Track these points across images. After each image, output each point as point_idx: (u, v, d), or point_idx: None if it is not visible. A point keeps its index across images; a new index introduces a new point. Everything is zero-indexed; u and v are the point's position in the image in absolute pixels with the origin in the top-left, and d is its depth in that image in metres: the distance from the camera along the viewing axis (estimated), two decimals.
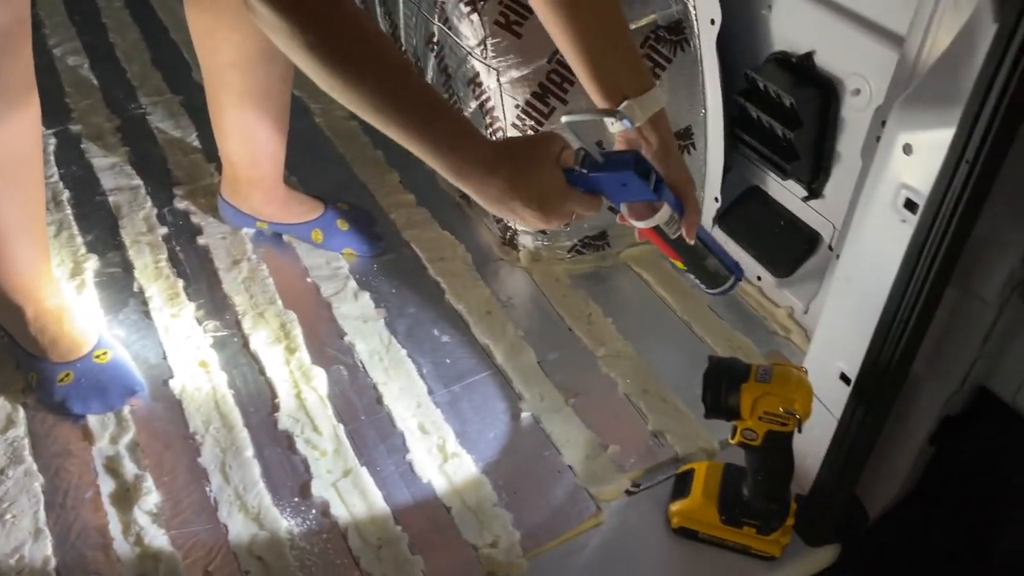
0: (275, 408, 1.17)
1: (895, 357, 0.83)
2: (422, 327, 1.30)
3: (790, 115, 1.14)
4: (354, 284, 1.36)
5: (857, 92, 1.08)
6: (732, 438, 0.91)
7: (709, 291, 0.94)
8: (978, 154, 0.68)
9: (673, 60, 1.24)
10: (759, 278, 1.33)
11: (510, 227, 1.40)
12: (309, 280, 1.38)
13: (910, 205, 0.78)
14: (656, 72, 1.25)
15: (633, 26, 1.22)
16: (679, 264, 0.92)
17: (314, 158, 1.64)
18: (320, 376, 1.21)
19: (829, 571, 1.02)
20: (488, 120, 1.30)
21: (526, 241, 1.39)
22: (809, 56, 1.13)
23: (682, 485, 1.03)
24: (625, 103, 0.83)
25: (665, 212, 0.83)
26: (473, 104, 1.33)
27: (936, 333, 0.82)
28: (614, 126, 0.84)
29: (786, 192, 1.27)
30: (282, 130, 1.34)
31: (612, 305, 1.33)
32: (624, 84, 0.83)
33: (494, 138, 1.30)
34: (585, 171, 0.80)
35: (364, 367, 1.23)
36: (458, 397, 1.19)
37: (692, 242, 0.86)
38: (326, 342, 1.27)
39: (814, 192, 1.21)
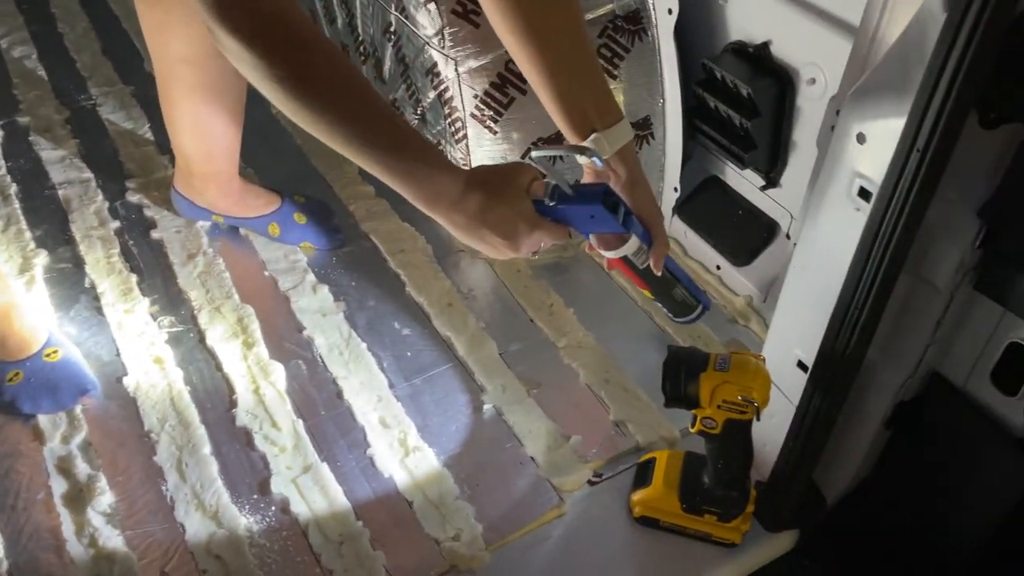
0: (232, 404, 1.15)
1: (851, 344, 0.83)
2: (382, 320, 1.29)
3: (748, 105, 1.14)
4: (312, 277, 1.35)
5: (812, 81, 1.09)
6: (692, 427, 0.92)
7: (676, 319, 0.97)
8: (928, 142, 0.69)
9: (631, 50, 1.24)
10: (718, 267, 1.34)
11: None
12: (267, 274, 1.36)
13: (864, 193, 0.79)
14: (614, 62, 1.24)
15: (591, 16, 1.21)
16: (647, 293, 0.95)
17: (271, 150, 1.62)
18: (278, 371, 1.19)
19: (788, 556, 1.03)
20: (447, 111, 1.28)
21: None
22: (765, 46, 1.13)
23: (643, 474, 1.04)
24: (593, 136, 0.83)
25: (633, 243, 0.85)
26: (431, 94, 1.32)
27: (889, 320, 0.83)
28: (581, 157, 0.85)
29: (744, 182, 1.28)
30: (237, 123, 1.31)
31: (573, 296, 1.33)
32: (592, 117, 0.84)
33: (453, 128, 1.29)
34: (554, 203, 0.81)
35: (323, 361, 1.22)
36: (419, 390, 1.18)
37: (659, 273, 0.89)
38: (284, 336, 1.25)
39: (772, 181, 1.22)
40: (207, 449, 1.09)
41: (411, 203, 0.80)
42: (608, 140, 0.83)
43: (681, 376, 0.89)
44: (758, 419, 0.88)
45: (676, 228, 1.39)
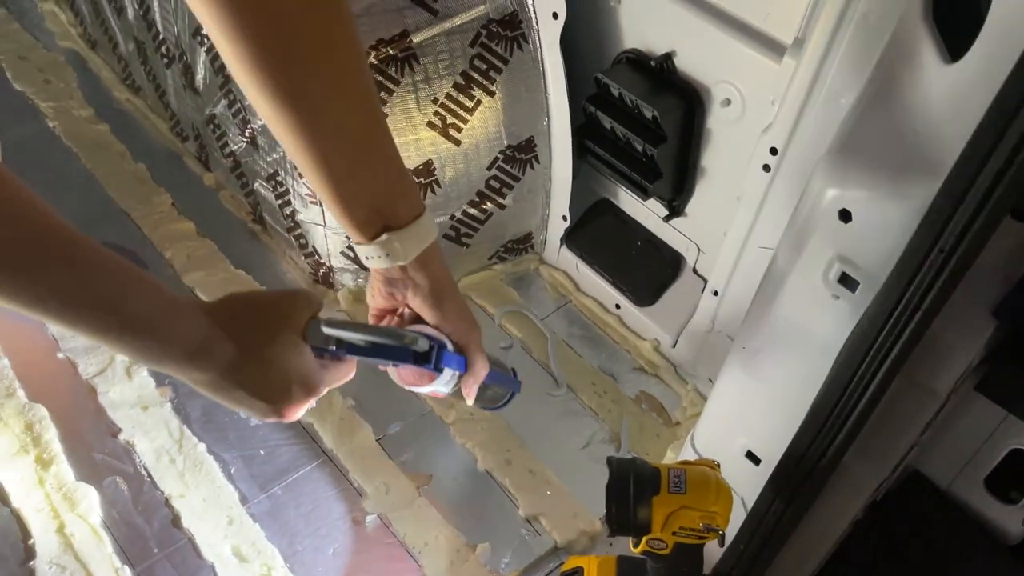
0: (30, 554, 0.89)
1: (828, 452, 0.70)
2: (222, 408, 1.01)
3: (652, 128, 0.99)
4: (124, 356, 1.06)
5: (727, 103, 0.95)
6: (635, 547, 0.76)
7: (486, 409, 0.80)
8: (957, 243, 0.54)
9: (510, 61, 1.04)
10: (618, 306, 1.18)
11: (322, 260, 1.15)
12: (61, 356, 1.06)
13: (847, 281, 0.64)
14: (490, 76, 1.04)
15: (460, 20, 1.00)
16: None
17: (51, 176, 1.28)
18: (90, 497, 0.93)
19: None
20: None
21: (345, 279, 1.15)
22: (668, 58, 0.98)
23: None
24: (385, 236, 0.62)
25: (445, 377, 0.66)
26: None
27: (872, 421, 0.70)
28: (370, 261, 0.64)
29: (642, 208, 1.12)
30: None
31: None
32: (384, 210, 0.62)
33: None
34: (343, 354, 0.61)
35: (151, 475, 0.96)
36: (281, 503, 0.96)
37: (471, 403, 0.71)
38: (94, 445, 0.98)
39: (675, 210, 1.08)
40: None
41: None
42: (403, 243, 0.63)
43: (630, 501, 0.72)
44: (721, 546, 0.73)
45: (566, 260, 1.22)
